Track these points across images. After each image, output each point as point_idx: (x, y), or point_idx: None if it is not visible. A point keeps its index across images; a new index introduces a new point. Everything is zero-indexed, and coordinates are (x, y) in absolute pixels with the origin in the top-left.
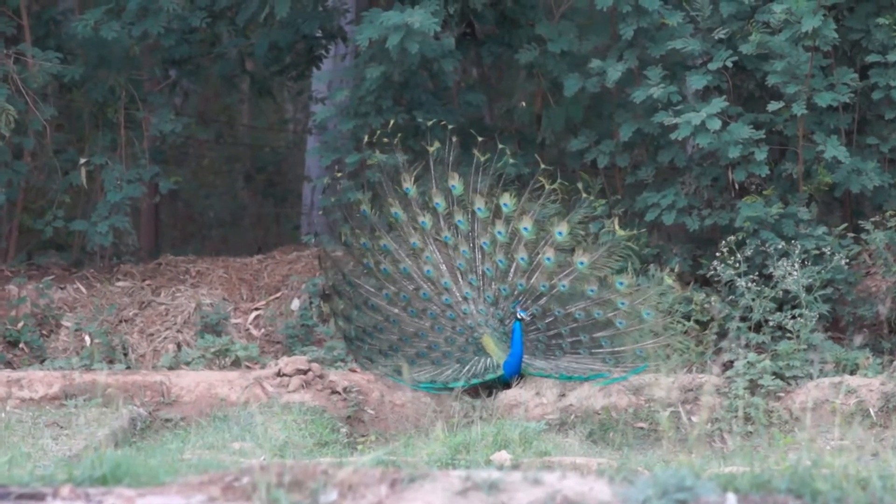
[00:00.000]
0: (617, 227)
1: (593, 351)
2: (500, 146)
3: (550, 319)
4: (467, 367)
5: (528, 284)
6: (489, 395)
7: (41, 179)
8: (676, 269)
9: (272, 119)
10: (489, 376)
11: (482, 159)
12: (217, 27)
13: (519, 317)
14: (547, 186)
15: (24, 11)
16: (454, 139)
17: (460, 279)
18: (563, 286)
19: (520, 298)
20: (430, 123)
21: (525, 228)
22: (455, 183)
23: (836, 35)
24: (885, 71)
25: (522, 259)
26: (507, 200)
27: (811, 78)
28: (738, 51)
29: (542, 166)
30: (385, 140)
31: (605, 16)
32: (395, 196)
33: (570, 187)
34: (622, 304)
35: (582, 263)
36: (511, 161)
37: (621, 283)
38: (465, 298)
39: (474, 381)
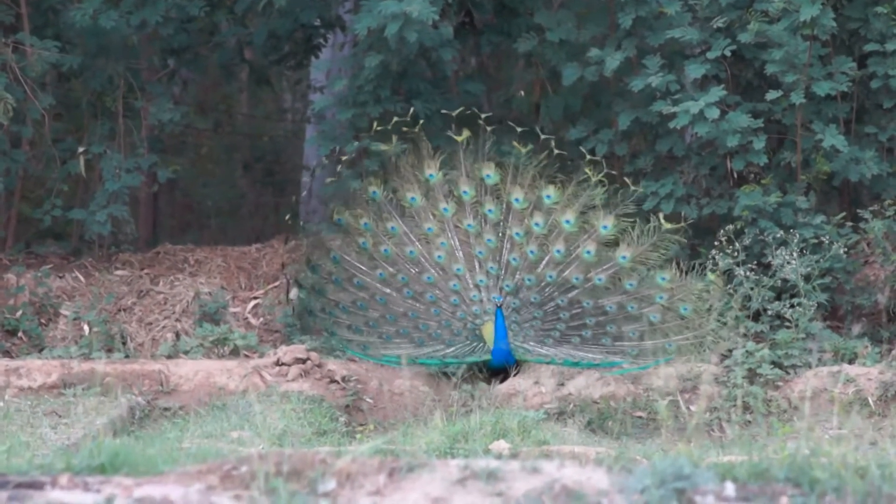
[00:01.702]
0: (662, 220)
1: (616, 343)
2: (543, 136)
3: (577, 311)
4: (452, 349)
5: (558, 276)
6: (489, 384)
7: (39, 168)
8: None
9: (270, 108)
10: (470, 359)
11: (523, 151)
12: (216, 16)
13: (496, 303)
14: (593, 178)
15: (23, 0)
16: (489, 129)
17: (477, 267)
18: (600, 279)
19: (546, 289)
20: (455, 113)
21: (567, 221)
22: (490, 172)
23: (834, 24)
24: (884, 60)
25: (558, 251)
26: (550, 192)
27: (809, 67)
28: (737, 40)
29: (588, 157)
30: (405, 129)
31: (604, 5)
32: (414, 181)
33: (615, 180)
34: (660, 298)
35: (624, 258)
36: (556, 151)
37: (663, 279)
38: (478, 286)
39: (450, 360)
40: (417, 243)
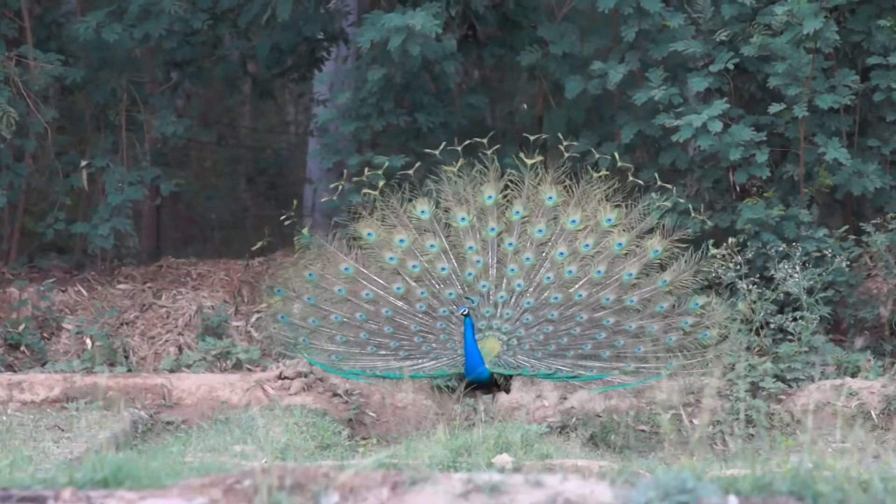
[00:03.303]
0: (711, 246)
1: (615, 358)
2: (620, 164)
3: (592, 329)
4: (434, 363)
5: (589, 296)
6: (492, 398)
7: (42, 182)
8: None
9: (274, 121)
10: (439, 373)
11: (595, 176)
12: (219, 29)
13: (463, 313)
14: (658, 203)
15: (26, 13)
16: (566, 149)
17: (503, 284)
18: (632, 301)
19: (570, 308)
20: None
21: (619, 244)
22: (553, 195)
23: (837, 37)
24: (887, 73)
25: (598, 272)
26: (612, 216)
27: (812, 80)
28: (740, 53)
29: (659, 183)
30: (481, 150)
31: (607, 18)
32: (472, 201)
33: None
34: (685, 323)
35: (664, 282)
36: (639, 182)
37: (696, 304)
38: (496, 303)
39: (415, 375)
40: (454, 261)
